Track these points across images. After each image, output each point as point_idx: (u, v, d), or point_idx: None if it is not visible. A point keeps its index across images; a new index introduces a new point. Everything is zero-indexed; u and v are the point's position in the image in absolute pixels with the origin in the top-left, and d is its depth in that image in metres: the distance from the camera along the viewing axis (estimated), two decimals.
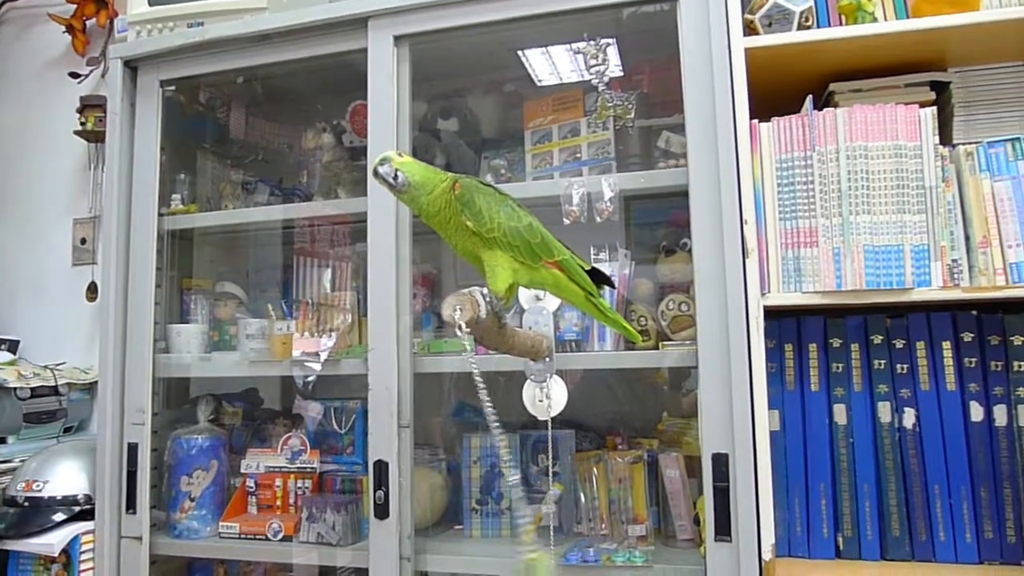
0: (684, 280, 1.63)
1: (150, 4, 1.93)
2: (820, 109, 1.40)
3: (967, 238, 1.35)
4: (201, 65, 1.81)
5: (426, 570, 1.57)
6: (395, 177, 1.10)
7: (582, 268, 1.17)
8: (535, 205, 1.34)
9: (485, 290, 1.05)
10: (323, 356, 1.72)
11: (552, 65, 1.89)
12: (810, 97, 1.43)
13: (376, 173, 1.11)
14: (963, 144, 1.39)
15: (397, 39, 1.64)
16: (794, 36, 1.44)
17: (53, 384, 2.10)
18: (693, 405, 1.73)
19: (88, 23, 2.46)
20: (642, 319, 1.62)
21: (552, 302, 1.44)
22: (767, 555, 1.29)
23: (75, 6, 2.43)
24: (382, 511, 1.52)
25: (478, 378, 1.00)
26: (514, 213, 1.11)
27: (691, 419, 1.70)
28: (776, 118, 1.41)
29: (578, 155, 1.75)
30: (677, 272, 1.65)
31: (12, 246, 2.51)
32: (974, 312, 1.39)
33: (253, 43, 1.76)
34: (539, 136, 1.81)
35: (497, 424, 1.06)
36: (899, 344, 1.41)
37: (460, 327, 0.97)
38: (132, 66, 1.84)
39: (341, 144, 2.02)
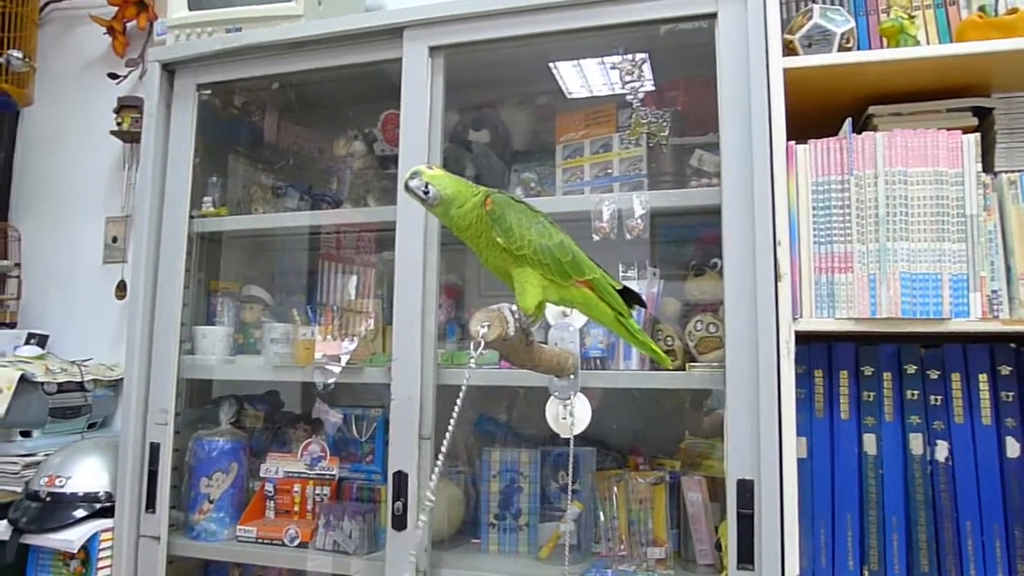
0: (713, 300, 1.61)
1: (190, 8, 1.95)
2: (858, 132, 1.38)
3: (1008, 269, 1.31)
4: (237, 70, 1.82)
5: None
6: (426, 191, 1.10)
7: (613, 288, 1.16)
8: (564, 220, 1.33)
9: (514, 306, 1.04)
10: (344, 360, 1.72)
11: (585, 79, 1.88)
12: (849, 120, 1.41)
13: (407, 187, 1.11)
14: (1006, 172, 1.36)
15: (432, 50, 1.64)
16: (834, 58, 1.42)
17: (79, 380, 2.12)
18: (714, 425, 1.70)
19: (128, 25, 2.50)
20: (669, 339, 1.59)
21: (579, 319, 1.43)
22: None
23: (116, 8, 2.47)
24: (400, 523, 1.51)
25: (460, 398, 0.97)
26: (545, 230, 1.10)
27: (713, 439, 1.67)
28: (813, 140, 1.39)
29: (609, 171, 1.74)
30: (706, 292, 1.63)
31: (45, 242, 2.54)
32: (1012, 345, 1.35)
33: (289, 50, 1.77)
34: (571, 150, 1.80)
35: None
36: (933, 375, 1.37)
37: (480, 344, 0.95)
38: (170, 69, 1.86)
39: (372, 152, 2.02)
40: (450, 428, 0.91)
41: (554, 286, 1.11)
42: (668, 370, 1.52)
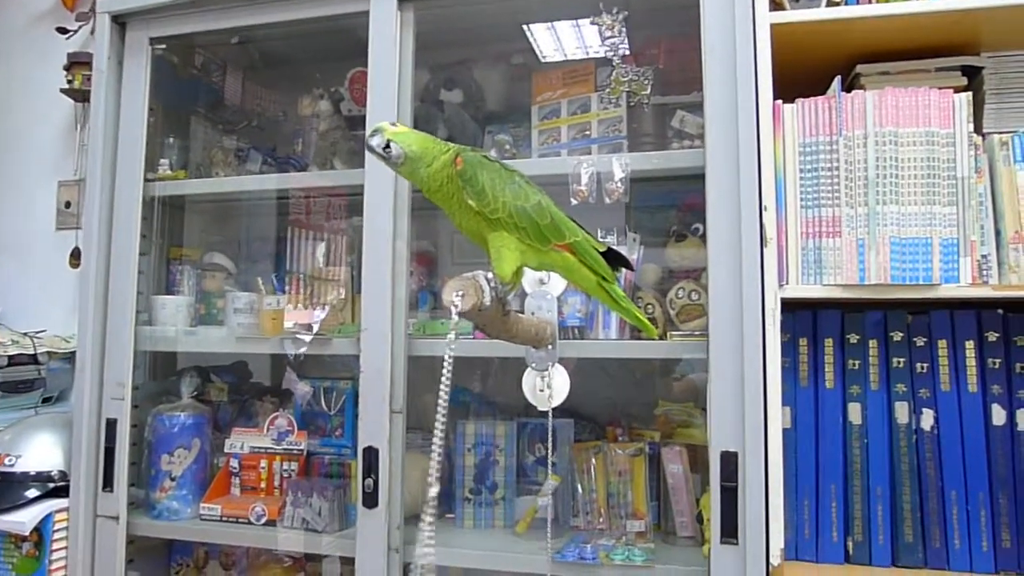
0: (695, 267, 1.56)
1: None
2: (846, 92, 1.32)
3: (997, 233, 1.28)
4: (193, 23, 1.71)
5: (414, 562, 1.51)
6: (387, 148, 1.02)
7: (596, 250, 1.09)
8: (541, 184, 1.26)
9: (490, 274, 0.97)
10: (315, 328, 1.65)
11: (563, 37, 1.80)
12: (838, 78, 1.35)
13: (368, 146, 1.03)
14: (996, 133, 1.32)
15: (401, 2, 1.55)
16: (823, 13, 1.36)
17: (32, 352, 2.01)
18: (686, 390, 1.67)
19: None
20: (649, 306, 1.54)
21: (556, 287, 1.37)
22: (776, 559, 1.23)
23: None
24: (371, 500, 1.45)
25: (446, 371, 0.91)
26: (521, 191, 1.03)
27: (686, 404, 1.65)
28: (801, 99, 1.33)
29: (587, 132, 1.67)
30: (687, 259, 1.58)
31: None
32: (999, 311, 1.32)
33: (249, 1, 1.66)
34: (547, 111, 1.72)
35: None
36: (920, 342, 1.34)
37: (455, 316, 0.89)
38: (120, 21, 1.75)
39: (339, 113, 1.93)
40: (441, 407, 0.85)
41: (532, 251, 1.04)
42: (649, 339, 1.48)
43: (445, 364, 0.91)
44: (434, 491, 0.93)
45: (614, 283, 1.11)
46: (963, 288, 1.25)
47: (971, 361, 1.32)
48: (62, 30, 2.31)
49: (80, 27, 2.33)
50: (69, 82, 2.24)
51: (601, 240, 1.53)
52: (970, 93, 1.29)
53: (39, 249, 2.34)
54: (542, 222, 1.03)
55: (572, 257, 1.07)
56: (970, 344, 1.32)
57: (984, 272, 1.26)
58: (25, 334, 2.07)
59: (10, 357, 1.95)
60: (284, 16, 1.65)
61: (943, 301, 1.30)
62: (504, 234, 1.03)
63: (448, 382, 0.91)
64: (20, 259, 2.36)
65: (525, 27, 1.78)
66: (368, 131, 1.05)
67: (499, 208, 1.02)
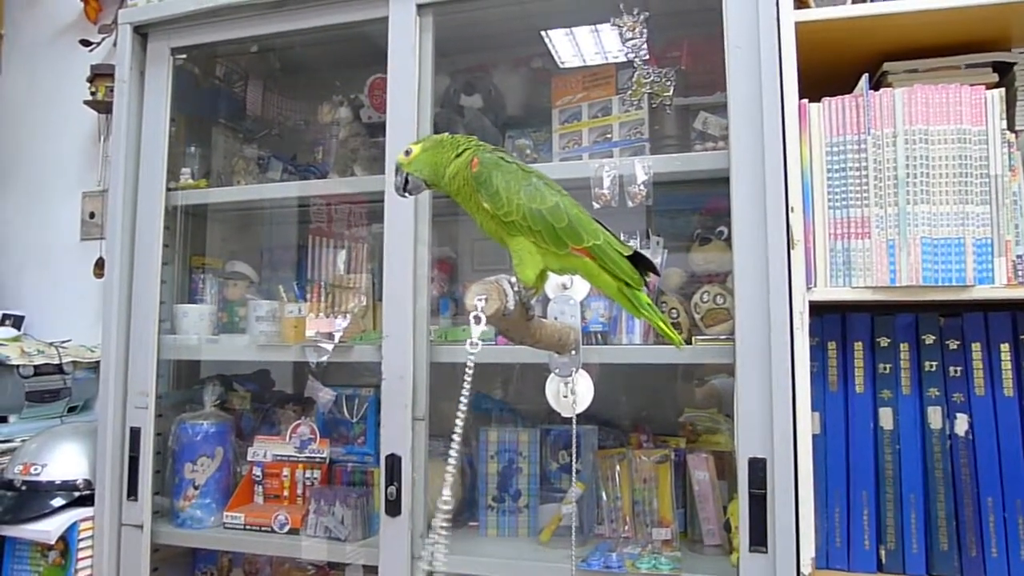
0: (720, 271, 1.54)
1: None
2: (873, 90, 1.30)
3: None
4: (214, 33, 1.72)
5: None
6: (406, 188, 1.06)
7: (620, 254, 1.05)
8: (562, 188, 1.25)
9: (513, 278, 0.95)
10: (337, 337, 1.64)
11: (583, 41, 1.78)
12: (865, 76, 1.32)
13: (395, 190, 1.07)
14: None
15: (420, 8, 1.55)
16: (848, 10, 1.33)
17: (58, 362, 2.03)
18: (708, 396, 1.64)
19: None
20: (673, 311, 1.52)
21: (579, 291, 1.35)
22: (806, 568, 1.20)
23: None
24: (394, 508, 1.44)
25: (468, 375, 0.90)
26: (537, 193, 1.00)
27: (710, 411, 1.63)
28: (827, 98, 1.31)
29: (609, 135, 1.65)
30: (712, 262, 1.56)
31: (19, 218, 2.44)
32: None
33: (268, 10, 1.67)
34: (568, 115, 1.71)
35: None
36: (953, 345, 1.30)
37: (480, 319, 0.87)
38: (142, 32, 1.76)
39: (359, 119, 1.93)
40: (459, 417, 0.84)
41: (552, 255, 1.01)
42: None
43: (466, 375, 0.89)
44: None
45: (639, 288, 1.07)
46: (998, 289, 1.21)
47: (1007, 364, 1.28)
48: (85, 42, 2.34)
49: (103, 39, 2.35)
50: (92, 94, 2.27)
51: (624, 244, 1.52)
52: (1002, 90, 1.26)
53: (64, 260, 2.37)
54: (558, 225, 1.00)
55: (592, 262, 1.04)
56: (1005, 347, 1.28)
57: (1020, 272, 1.23)
58: (51, 344, 2.09)
59: (36, 367, 1.97)
60: (303, 24, 1.65)
61: (977, 303, 1.27)
62: (521, 238, 1.01)
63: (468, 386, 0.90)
64: (45, 270, 2.39)
65: (544, 32, 1.77)
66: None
67: (513, 211, 0.99)
